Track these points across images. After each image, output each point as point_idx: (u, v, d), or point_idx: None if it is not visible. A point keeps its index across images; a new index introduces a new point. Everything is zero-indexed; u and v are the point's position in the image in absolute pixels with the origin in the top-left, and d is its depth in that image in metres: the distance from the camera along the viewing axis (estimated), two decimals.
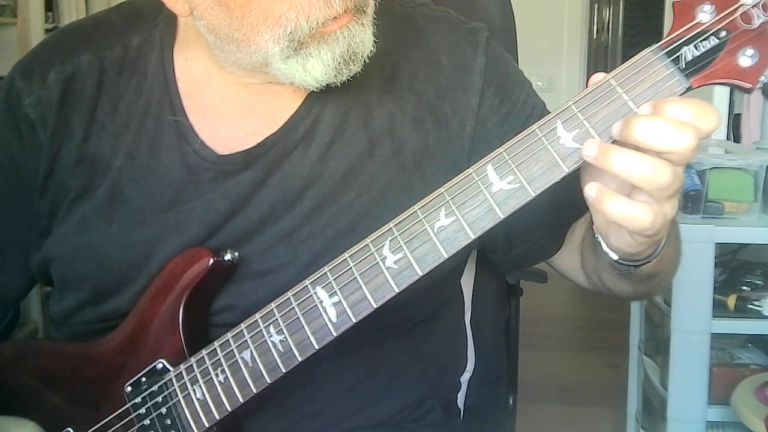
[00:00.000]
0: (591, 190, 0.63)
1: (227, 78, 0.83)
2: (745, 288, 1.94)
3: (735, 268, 2.00)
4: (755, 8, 0.60)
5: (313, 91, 0.82)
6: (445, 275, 0.89)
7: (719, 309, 1.86)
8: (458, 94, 0.85)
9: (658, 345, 2.07)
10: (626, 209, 0.62)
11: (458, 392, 1.08)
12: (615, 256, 0.72)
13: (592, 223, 0.73)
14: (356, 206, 0.81)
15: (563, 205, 0.86)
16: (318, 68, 0.75)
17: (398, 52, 0.86)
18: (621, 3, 5.12)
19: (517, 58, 1.16)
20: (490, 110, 0.86)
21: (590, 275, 0.87)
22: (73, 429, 0.83)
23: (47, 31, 3.22)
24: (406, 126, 0.84)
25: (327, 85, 0.77)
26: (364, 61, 0.76)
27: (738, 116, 2.34)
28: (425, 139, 0.84)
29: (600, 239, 0.72)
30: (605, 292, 0.87)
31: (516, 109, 0.87)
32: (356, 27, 0.74)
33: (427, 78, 0.86)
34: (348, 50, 0.74)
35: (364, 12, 0.75)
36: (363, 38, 0.75)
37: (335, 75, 0.75)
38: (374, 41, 0.76)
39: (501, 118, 0.86)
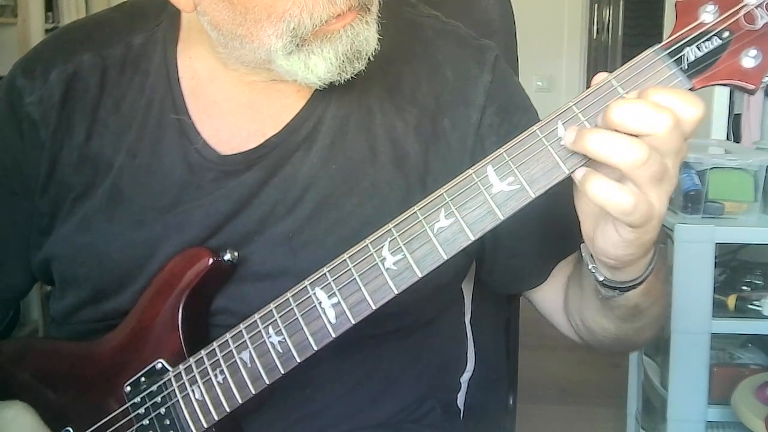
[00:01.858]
0: (578, 172, 0.62)
1: (231, 75, 0.83)
2: (745, 288, 1.94)
3: (735, 268, 2.00)
4: (759, 9, 0.60)
5: (317, 92, 0.82)
6: (447, 282, 0.89)
7: (719, 309, 1.86)
8: (460, 109, 0.85)
9: (658, 345, 2.07)
10: (608, 189, 0.60)
11: (458, 392, 1.08)
12: (601, 276, 0.72)
13: (582, 246, 0.72)
14: (358, 214, 0.81)
15: (553, 239, 0.86)
16: (321, 66, 0.74)
17: (403, 61, 0.86)
18: (621, 3, 5.10)
19: (517, 58, 1.15)
20: (489, 128, 0.85)
21: (572, 316, 0.87)
22: (72, 428, 0.83)
23: (47, 31, 3.22)
24: (409, 137, 0.84)
25: (331, 83, 0.76)
26: (370, 59, 0.76)
27: (738, 116, 2.33)
28: (426, 152, 0.84)
29: (588, 258, 0.72)
30: (585, 336, 0.86)
31: (516, 132, 0.86)
32: (360, 25, 0.74)
33: (429, 91, 0.85)
34: (352, 48, 0.74)
35: (369, 10, 0.75)
36: (367, 36, 0.75)
37: (339, 73, 0.75)
38: (379, 38, 0.76)
39: (499, 138, 0.85)
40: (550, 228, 0.85)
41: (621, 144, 0.59)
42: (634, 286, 0.72)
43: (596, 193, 0.60)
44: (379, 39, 0.76)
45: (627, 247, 0.66)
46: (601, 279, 0.72)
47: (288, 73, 0.76)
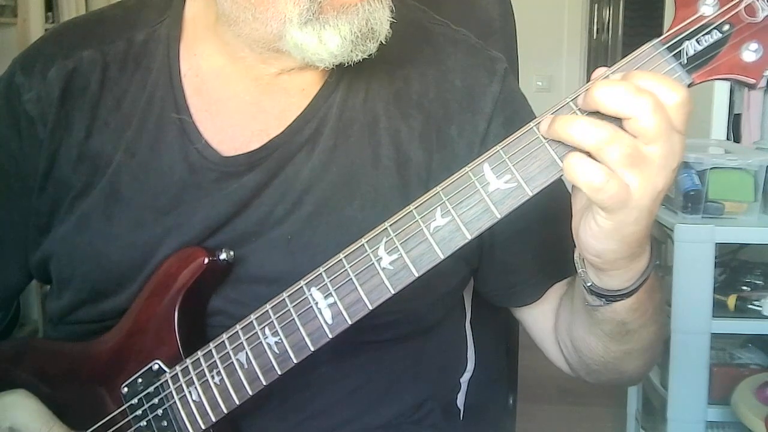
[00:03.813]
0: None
1: (238, 70, 0.82)
2: (745, 288, 1.94)
3: (735, 268, 2.00)
4: (759, 1, 0.59)
5: (322, 91, 0.82)
6: (449, 292, 0.89)
7: (719, 309, 1.86)
8: (467, 117, 0.84)
9: None
10: (580, 164, 0.59)
11: (458, 393, 1.07)
12: (588, 281, 0.71)
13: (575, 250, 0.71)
14: (358, 219, 0.80)
15: (550, 260, 0.85)
16: (334, 41, 0.73)
17: (412, 65, 0.86)
18: (621, 3, 5.10)
19: (517, 58, 1.15)
20: (495, 139, 0.84)
21: (561, 336, 0.86)
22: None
23: (47, 31, 3.21)
24: (413, 143, 0.83)
25: (338, 76, 0.76)
26: (382, 43, 0.75)
27: (738, 116, 2.33)
28: (430, 159, 0.83)
29: (578, 261, 0.71)
30: (573, 361, 0.86)
31: None
32: (376, 3, 0.74)
33: (437, 98, 0.85)
34: (366, 25, 0.73)
35: None
36: (381, 16, 0.74)
37: (351, 50, 0.74)
38: (392, 21, 0.75)
39: None
40: (548, 249, 0.84)
41: (584, 125, 0.59)
42: (621, 296, 0.71)
43: (569, 168, 0.60)
44: (388, 34, 0.75)
45: (607, 240, 0.64)
46: (588, 284, 0.71)
47: (299, 48, 0.75)
